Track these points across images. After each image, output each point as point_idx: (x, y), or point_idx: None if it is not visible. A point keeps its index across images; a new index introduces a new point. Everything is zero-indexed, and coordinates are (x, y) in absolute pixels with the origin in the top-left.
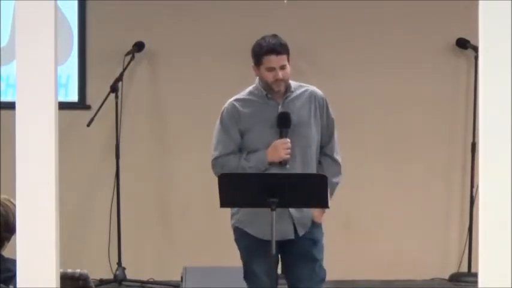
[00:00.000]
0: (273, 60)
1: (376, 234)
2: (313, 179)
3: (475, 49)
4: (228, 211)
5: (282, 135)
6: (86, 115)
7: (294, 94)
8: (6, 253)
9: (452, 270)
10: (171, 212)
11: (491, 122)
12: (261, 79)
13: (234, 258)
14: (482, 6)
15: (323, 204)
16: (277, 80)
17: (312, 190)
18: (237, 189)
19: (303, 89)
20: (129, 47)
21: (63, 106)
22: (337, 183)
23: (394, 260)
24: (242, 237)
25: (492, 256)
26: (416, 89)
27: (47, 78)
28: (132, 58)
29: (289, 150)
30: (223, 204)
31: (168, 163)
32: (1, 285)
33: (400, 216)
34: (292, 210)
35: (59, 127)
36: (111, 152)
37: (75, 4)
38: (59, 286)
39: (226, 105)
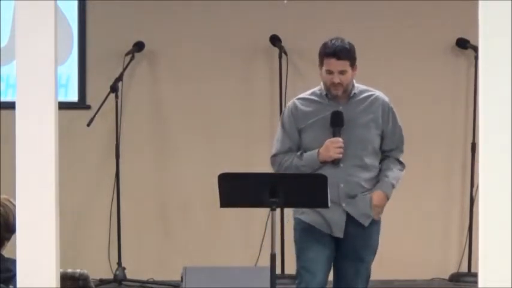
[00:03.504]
0: (333, 63)
1: None
2: (313, 179)
3: (475, 49)
4: (228, 211)
5: (334, 135)
6: (86, 115)
7: (358, 97)
8: (6, 253)
9: (452, 270)
10: (171, 212)
11: (491, 122)
12: (321, 79)
13: (234, 258)
14: (482, 6)
15: (323, 204)
16: (333, 84)
17: (312, 190)
18: (237, 189)
19: (368, 93)
20: (129, 47)
21: (63, 106)
22: (401, 176)
23: (394, 260)
24: (298, 225)
25: (492, 256)
26: (416, 89)
27: (47, 78)
28: (132, 58)
29: (341, 150)
30: (223, 204)
31: (168, 163)
32: (1, 285)
33: (400, 216)
34: (347, 207)
35: (59, 127)
36: (111, 152)
37: (75, 4)
38: (59, 286)
39: (289, 103)
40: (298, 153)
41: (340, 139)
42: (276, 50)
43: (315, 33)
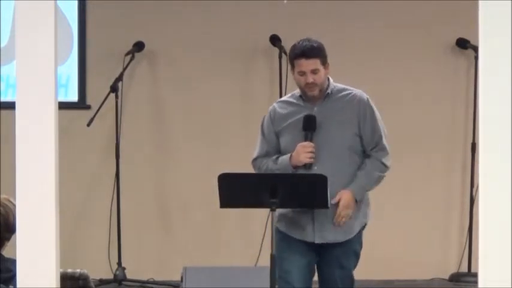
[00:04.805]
0: (303, 64)
1: (376, 234)
2: (313, 179)
3: (475, 49)
4: (228, 211)
5: (306, 138)
6: (86, 115)
7: (334, 97)
8: (6, 253)
9: (452, 270)
10: (171, 212)
11: (491, 122)
12: (296, 83)
13: (234, 258)
14: (482, 6)
15: (323, 205)
16: (307, 84)
17: (312, 190)
18: (237, 189)
19: (345, 92)
20: (129, 47)
21: (63, 106)
22: (378, 176)
23: (394, 260)
24: (276, 233)
25: (492, 256)
26: (416, 89)
27: (47, 78)
28: (132, 58)
29: (311, 154)
30: (223, 204)
31: (168, 163)
32: (1, 285)
33: (400, 216)
34: (316, 213)
35: (59, 127)
36: (111, 152)
37: (75, 4)
38: (59, 286)
39: (270, 106)
40: (274, 157)
41: (311, 144)
42: (276, 50)
43: (315, 33)
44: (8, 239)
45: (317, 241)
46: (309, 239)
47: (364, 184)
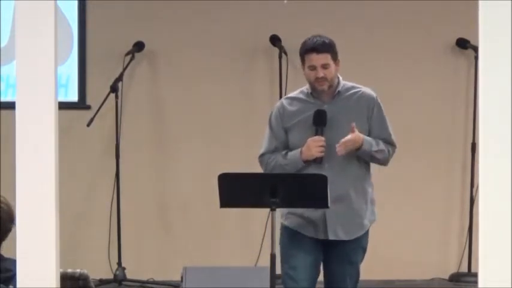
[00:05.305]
0: (314, 58)
1: (376, 234)
2: (313, 179)
3: (475, 49)
4: (228, 211)
5: (317, 133)
6: (86, 115)
7: (343, 95)
8: (6, 252)
9: (452, 270)
10: (171, 212)
11: (491, 122)
12: (306, 78)
13: (234, 258)
14: (482, 6)
15: (323, 204)
16: (317, 79)
17: (312, 190)
18: (237, 189)
19: (354, 90)
20: (129, 47)
21: (63, 106)
22: (383, 156)
23: (394, 260)
24: (283, 230)
25: (492, 256)
26: (416, 89)
27: (47, 78)
28: (132, 58)
29: (322, 148)
30: (223, 204)
31: (168, 163)
32: (1, 285)
33: (400, 216)
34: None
35: (59, 127)
36: (111, 152)
37: (75, 4)
38: (59, 286)
39: (277, 102)
40: (284, 152)
41: (322, 137)
42: (276, 50)
43: (315, 33)
44: (10, 230)
45: (330, 238)
46: (321, 236)
47: (373, 145)
